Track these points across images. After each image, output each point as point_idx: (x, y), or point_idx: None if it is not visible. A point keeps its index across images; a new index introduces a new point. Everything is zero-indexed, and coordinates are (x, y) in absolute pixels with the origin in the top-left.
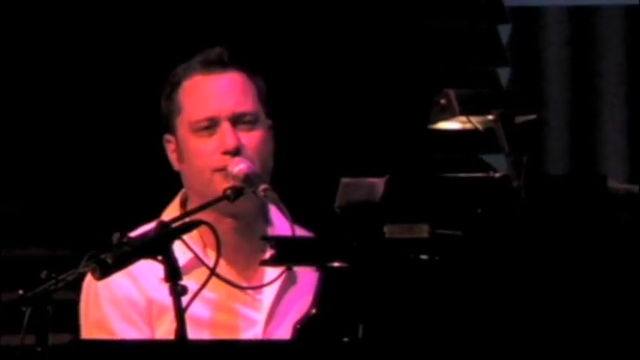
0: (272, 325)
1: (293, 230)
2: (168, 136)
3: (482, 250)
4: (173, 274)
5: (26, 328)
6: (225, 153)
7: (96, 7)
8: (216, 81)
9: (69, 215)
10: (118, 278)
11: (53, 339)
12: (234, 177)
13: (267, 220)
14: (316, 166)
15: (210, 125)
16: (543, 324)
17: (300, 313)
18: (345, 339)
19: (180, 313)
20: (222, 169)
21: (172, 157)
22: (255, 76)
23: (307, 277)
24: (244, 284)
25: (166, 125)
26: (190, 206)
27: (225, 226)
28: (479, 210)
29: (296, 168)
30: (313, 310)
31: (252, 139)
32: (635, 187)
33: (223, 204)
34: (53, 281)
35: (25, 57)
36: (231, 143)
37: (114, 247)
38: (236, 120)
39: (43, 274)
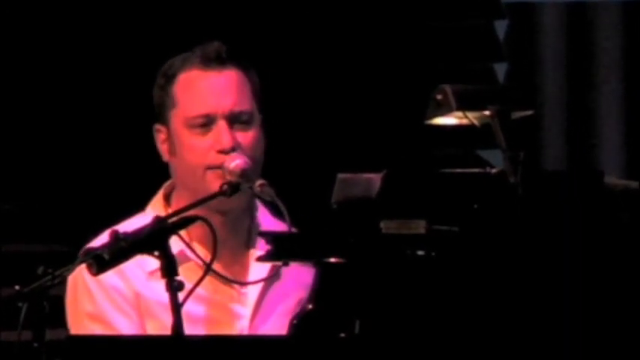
0: (258, 319)
1: (287, 225)
2: (159, 126)
3: (479, 246)
4: (170, 269)
5: (23, 323)
6: (220, 152)
7: (89, 2)
8: (214, 78)
9: (65, 211)
10: (107, 272)
11: (50, 334)
12: (231, 172)
13: (252, 215)
14: (313, 162)
15: (206, 122)
16: (541, 320)
17: (286, 307)
18: (342, 334)
19: (176, 308)
20: (216, 167)
21: (162, 147)
22: (250, 71)
23: (293, 271)
24: (230, 278)
25: (158, 115)
26: (176, 200)
27: (213, 221)
28: (476, 206)
29: (293, 163)
30: (310, 306)
31: (247, 138)
32: (633, 183)
33: (215, 201)
34: (50, 277)
35: (22, 56)
36: (227, 143)
37: (111, 242)
38: (232, 119)
39: (40, 270)
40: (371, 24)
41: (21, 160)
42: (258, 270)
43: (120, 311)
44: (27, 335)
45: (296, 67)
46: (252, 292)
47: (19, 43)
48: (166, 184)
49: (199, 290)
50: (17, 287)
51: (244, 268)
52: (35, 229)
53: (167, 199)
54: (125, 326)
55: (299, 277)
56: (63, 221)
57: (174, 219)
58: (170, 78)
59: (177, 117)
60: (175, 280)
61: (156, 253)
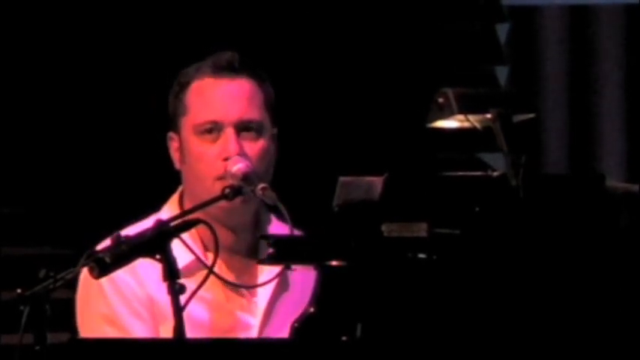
0: (266, 329)
1: (292, 231)
2: (172, 134)
3: (480, 249)
4: (171, 273)
5: (24, 327)
6: (227, 159)
7: (98, 7)
8: (224, 86)
9: (67, 214)
10: (121, 273)
11: (51, 338)
12: (233, 176)
13: (262, 227)
14: (315, 165)
15: (214, 129)
16: (542, 323)
17: (294, 317)
18: (343, 338)
19: (178, 311)
20: (224, 178)
21: (175, 155)
22: (264, 82)
23: (302, 281)
24: (233, 282)
25: (172, 123)
26: (187, 206)
27: (221, 233)
28: (477, 209)
29: (295, 167)
30: (311, 309)
31: (254, 148)
32: (634, 187)
33: (221, 216)
34: (51, 280)
35: (30, 60)
36: (233, 151)
37: (113, 245)
38: (241, 127)
39: (42, 273)
40: (373, 28)
41: (23, 164)
42: (267, 278)
43: (134, 314)
44: (28, 339)
45: (298, 71)
46: (262, 301)
47: (28, 48)
48: (181, 188)
49: (209, 297)
50: (19, 290)
51: (255, 277)
52: (37, 232)
53: (181, 203)
54: (139, 329)
55: (307, 287)
56: (65, 224)
57: (175, 223)
58: (183, 86)
59: (187, 124)
60: (177, 284)
61: (157, 257)
